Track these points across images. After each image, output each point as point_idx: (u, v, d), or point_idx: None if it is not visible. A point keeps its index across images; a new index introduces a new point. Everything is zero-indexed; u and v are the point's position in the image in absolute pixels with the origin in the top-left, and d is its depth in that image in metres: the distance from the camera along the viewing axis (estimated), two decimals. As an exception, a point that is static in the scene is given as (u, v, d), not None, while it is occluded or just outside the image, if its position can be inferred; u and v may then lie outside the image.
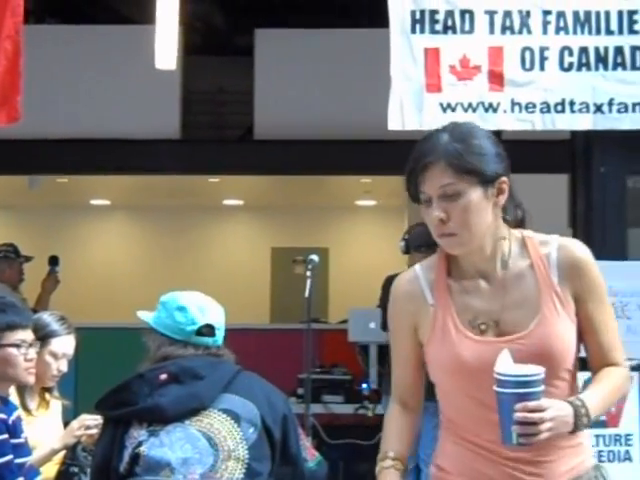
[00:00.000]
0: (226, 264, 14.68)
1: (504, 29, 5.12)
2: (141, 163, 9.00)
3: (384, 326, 6.73)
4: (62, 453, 4.07)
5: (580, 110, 5.12)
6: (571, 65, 5.13)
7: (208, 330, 3.45)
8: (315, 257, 5.63)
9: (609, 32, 5.12)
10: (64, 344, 4.21)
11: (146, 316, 3.54)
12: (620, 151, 5.96)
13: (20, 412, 3.75)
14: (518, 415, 2.35)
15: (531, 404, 2.36)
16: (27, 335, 3.68)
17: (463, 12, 5.13)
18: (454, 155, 2.54)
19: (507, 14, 5.12)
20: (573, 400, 2.47)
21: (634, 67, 5.12)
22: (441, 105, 5.09)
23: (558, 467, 2.58)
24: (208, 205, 14.27)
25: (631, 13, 5.12)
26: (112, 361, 8.95)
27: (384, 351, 7.06)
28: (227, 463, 3.23)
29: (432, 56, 5.11)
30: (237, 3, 10.77)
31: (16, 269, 7.44)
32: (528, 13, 5.12)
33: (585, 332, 2.63)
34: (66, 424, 4.17)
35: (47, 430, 4.16)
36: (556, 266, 2.60)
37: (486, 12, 5.13)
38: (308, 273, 5.56)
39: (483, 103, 5.08)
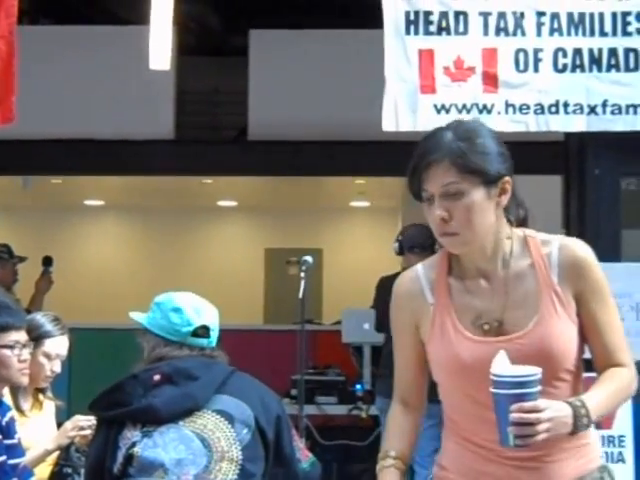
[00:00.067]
0: (220, 265, 14.67)
1: (498, 30, 5.13)
2: (135, 164, 9.00)
3: (378, 327, 6.74)
4: (56, 454, 4.07)
5: (574, 111, 5.13)
6: (565, 66, 5.13)
7: (203, 331, 3.45)
8: (309, 258, 5.64)
9: (603, 34, 5.12)
10: (58, 345, 4.21)
11: (139, 317, 3.53)
12: (614, 153, 5.97)
13: (14, 413, 3.74)
14: (514, 416, 2.34)
15: (527, 405, 2.34)
16: (21, 336, 3.68)
17: (457, 13, 5.13)
18: (458, 154, 2.52)
19: (501, 15, 5.13)
20: (573, 401, 2.45)
21: (628, 69, 5.12)
22: (435, 106, 5.10)
23: (560, 468, 2.56)
24: (202, 206, 14.26)
25: (625, 15, 5.12)
26: (105, 362, 8.95)
27: (378, 352, 7.07)
28: (221, 464, 3.23)
29: (426, 57, 5.12)
30: (231, 4, 10.77)
31: (10, 270, 7.43)
32: (522, 14, 5.13)
33: (589, 333, 2.61)
34: (59, 425, 4.16)
35: (41, 431, 4.15)
36: (557, 266, 2.59)
37: (480, 13, 5.14)
38: (302, 274, 5.56)
39: (477, 104, 5.08)
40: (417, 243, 6.50)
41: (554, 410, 2.38)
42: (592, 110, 5.12)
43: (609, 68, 5.12)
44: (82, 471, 3.98)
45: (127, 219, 15.01)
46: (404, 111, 5.11)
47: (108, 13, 10.53)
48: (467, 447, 2.64)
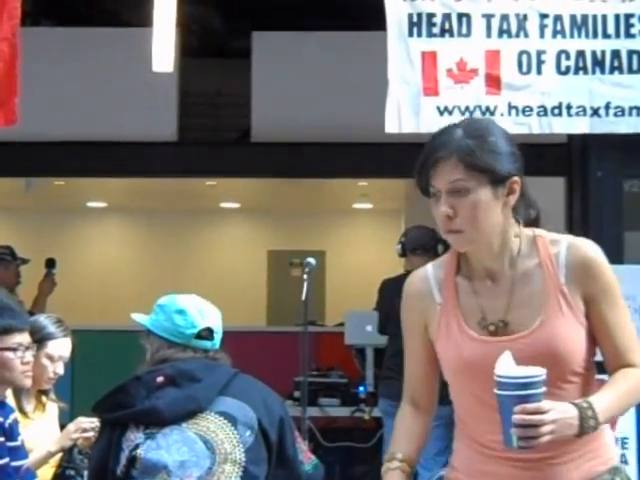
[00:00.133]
0: (223, 267, 14.68)
1: (501, 32, 5.13)
2: (138, 165, 8.99)
3: (381, 329, 6.74)
4: (58, 456, 4.07)
5: (577, 114, 5.13)
6: (568, 69, 5.14)
7: (207, 333, 3.44)
8: (312, 260, 5.63)
9: (606, 36, 5.13)
10: (60, 347, 4.21)
11: (141, 319, 3.52)
12: (617, 154, 5.97)
13: (17, 415, 3.74)
14: (516, 417, 2.32)
15: (530, 406, 2.32)
16: (24, 338, 3.67)
17: (460, 15, 5.14)
18: (466, 152, 2.51)
19: (504, 18, 5.13)
20: (579, 402, 2.42)
21: (631, 71, 5.12)
22: (438, 108, 5.10)
23: (568, 470, 2.54)
24: (205, 208, 14.27)
25: (628, 17, 5.13)
26: (108, 363, 8.95)
27: (381, 354, 7.06)
28: (224, 466, 3.22)
29: (429, 59, 5.12)
30: (234, 6, 10.77)
31: (13, 271, 7.43)
32: (525, 17, 5.13)
33: (599, 334, 2.58)
34: (62, 427, 4.16)
35: (43, 433, 4.15)
36: (564, 266, 2.56)
37: (483, 16, 5.14)
38: (305, 276, 5.55)
39: (480, 106, 5.09)
40: (420, 245, 6.50)
41: (559, 412, 2.36)
42: (595, 112, 5.12)
43: (612, 70, 5.13)
44: (85, 473, 3.98)
45: (130, 221, 15.01)
46: (407, 113, 5.11)
47: (111, 15, 10.54)
48: (474, 447, 2.64)
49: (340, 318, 8.71)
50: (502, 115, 5.07)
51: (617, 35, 5.13)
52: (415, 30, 5.14)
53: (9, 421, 3.57)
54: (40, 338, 4.07)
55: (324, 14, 9.61)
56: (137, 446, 3.23)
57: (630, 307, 5.06)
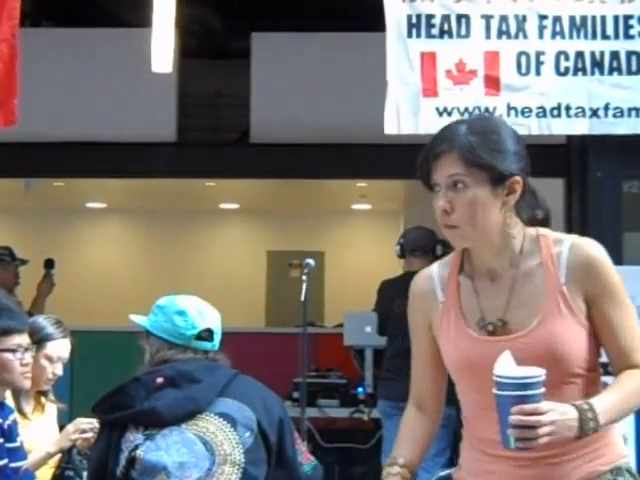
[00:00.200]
0: (222, 267, 14.67)
1: (500, 34, 5.14)
2: (137, 166, 8.99)
3: (380, 331, 6.74)
4: (57, 457, 4.07)
5: (576, 115, 5.13)
6: (567, 70, 5.14)
7: (207, 334, 3.44)
8: (311, 261, 5.63)
9: (605, 37, 5.13)
10: (59, 348, 4.21)
11: (140, 320, 3.52)
12: (616, 156, 5.98)
13: (16, 416, 3.74)
14: (513, 418, 2.30)
15: (528, 407, 2.30)
16: (23, 339, 3.67)
17: (459, 17, 5.14)
18: (467, 148, 2.51)
19: (503, 19, 5.14)
20: (580, 404, 2.39)
21: (630, 72, 5.13)
22: (437, 109, 5.10)
23: (570, 469, 2.52)
24: (204, 208, 14.26)
25: (627, 18, 5.13)
26: (107, 364, 8.93)
27: (380, 355, 7.06)
28: (223, 467, 3.22)
29: (428, 60, 5.12)
30: (234, 6, 10.76)
31: (11, 272, 7.43)
32: (524, 18, 5.14)
33: (603, 335, 2.56)
34: (61, 427, 4.16)
35: (42, 434, 4.15)
36: (565, 266, 2.54)
37: (482, 17, 5.14)
38: (304, 277, 5.55)
39: (479, 107, 5.09)
40: (419, 246, 6.50)
41: (558, 413, 2.34)
42: (594, 113, 5.12)
43: (611, 71, 5.13)
44: (84, 474, 3.98)
45: (129, 222, 15.01)
46: (406, 114, 5.12)
47: (110, 16, 10.53)
48: (478, 447, 2.63)
49: (339, 319, 8.71)
50: (501, 116, 5.07)
51: (616, 36, 5.13)
52: (414, 31, 5.14)
53: (8, 422, 3.56)
54: (39, 339, 4.07)
55: (323, 15, 9.60)
56: (136, 447, 3.23)
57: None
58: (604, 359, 2.63)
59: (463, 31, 5.13)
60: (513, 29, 5.13)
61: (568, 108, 5.13)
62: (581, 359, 2.53)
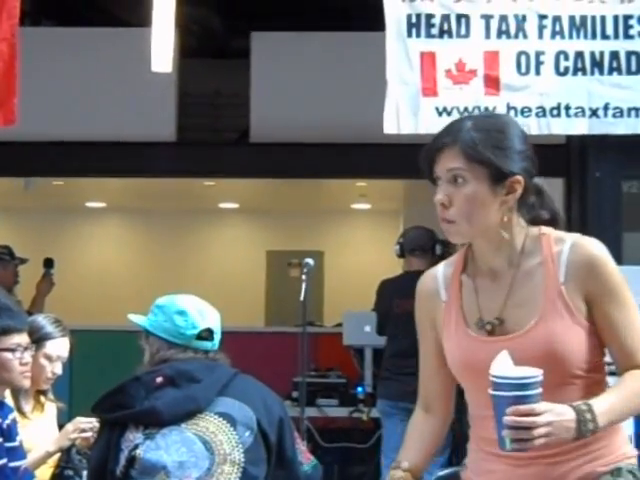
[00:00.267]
0: (221, 267, 14.67)
1: (500, 33, 5.14)
2: (137, 166, 8.98)
3: (379, 330, 6.74)
4: (57, 456, 4.07)
5: (576, 114, 5.13)
6: (567, 69, 5.14)
7: (207, 334, 3.45)
8: (311, 260, 5.63)
9: (605, 37, 5.13)
10: (59, 347, 4.21)
11: (139, 319, 3.53)
12: (615, 155, 5.99)
13: (15, 415, 3.74)
14: (507, 419, 2.28)
15: (523, 408, 2.27)
16: (22, 339, 3.67)
17: (459, 16, 5.14)
18: (469, 143, 2.50)
19: (503, 18, 5.14)
20: (578, 405, 2.36)
21: (629, 72, 5.13)
22: (437, 109, 5.10)
23: (569, 469, 2.50)
24: (203, 208, 14.25)
25: (627, 18, 5.13)
26: (106, 363, 8.95)
27: (379, 354, 7.07)
28: (223, 467, 3.23)
29: (428, 60, 5.12)
30: (233, 6, 10.76)
31: (11, 271, 7.43)
32: (524, 17, 5.14)
33: (605, 335, 2.52)
34: (61, 427, 4.16)
35: (42, 433, 4.15)
36: (565, 265, 2.51)
37: (482, 16, 5.14)
38: (303, 276, 5.55)
39: (479, 107, 5.09)
40: (418, 246, 6.51)
41: (554, 414, 2.30)
42: (594, 113, 5.12)
43: (611, 71, 5.13)
44: (83, 473, 3.98)
45: (128, 221, 15.00)
46: (406, 114, 5.11)
47: (110, 15, 10.52)
48: (480, 446, 2.62)
49: (339, 318, 8.71)
50: (501, 116, 5.07)
51: (616, 36, 5.13)
52: (414, 31, 5.14)
53: (7, 421, 3.56)
54: (38, 338, 4.07)
55: (323, 15, 9.60)
56: (136, 446, 3.24)
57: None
58: (607, 359, 2.60)
59: (463, 31, 5.13)
60: (513, 29, 5.13)
61: (568, 108, 5.13)
62: (580, 360, 2.50)
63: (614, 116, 5.11)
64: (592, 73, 5.13)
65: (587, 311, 2.52)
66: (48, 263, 7.96)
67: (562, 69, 5.13)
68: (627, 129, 5.13)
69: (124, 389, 3.34)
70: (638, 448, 2.68)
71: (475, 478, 2.67)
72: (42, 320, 4.22)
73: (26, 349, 3.69)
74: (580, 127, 5.17)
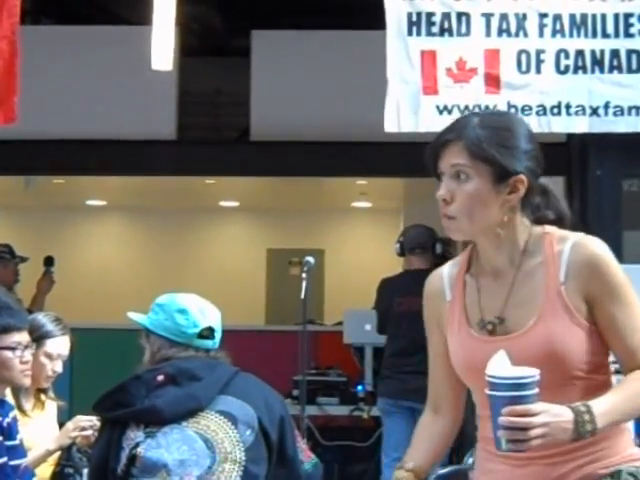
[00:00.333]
0: (222, 265, 14.67)
1: (500, 32, 5.13)
2: (137, 164, 8.98)
3: (380, 329, 6.74)
4: (57, 454, 4.07)
5: (576, 113, 5.13)
6: (567, 68, 5.14)
7: (208, 333, 3.45)
8: (311, 259, 5.63)
9: (605, 35, 5.13)
10: (59, 345, 4.21)
11: (139, 318, 3.52)
12: (616, 154, 5.98)
13: (16, 413, 3.74)
14: (502, 419, 2.26)
15: (519, 408, 2.24)
16: (23, 337, 3.67)
17: (459, 15, 5.14)
18: (473, 140, 2.48)
19: (503, 17, 5.13)
20: (577, 405, 2.32)
21: (630, 70, 5.12)
22: (437, 107, 5.10)
23: (569, 470, 2.47)
24: (204, 206, 14.25)
25: (627, 16, 5.13)
26: (107, 362, 8.95)
27: (380, 353, 7.07)
28: (224, 465, 3.23)
29: (428, 58, 5.12)
30: (234, 4, 10.75)
31: (11, 270, 7.43)
32: (524, 16, 5.13)
33: (608, 335, 2.49)
34: (61, 425, 4.16)
35: (42, 431, 4.15)
36: (565, 264, 2.48)
37: (482, 15, 5.14)
38: (304, 275, 5.55)
39: (480, 106, 5.09)
40: (418, 244, 6.51)
41: (551, 415, 2.27)
42: (594, 111, 5.12)
43: (611, 69, 5.13)
44: (83, 471, 3.98)
45: (129, 219, 15.00)
46: (406, 112, 5.11)
47: (110, 14, 10.52)
48: (483, 445, 2.61)
49: (339, 317, 8.71)
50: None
51: (616, 34, 5.13)
52: (414, 29, 5.14)
53: (8, 419, 3.56)
54: (38, 336, 4.07)
55: (324, 13, 9.60)
56: (137, 445, 3.24)
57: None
58: (612, 357, 2.57)
59: (463, 29, 5.13)
60: (513, 27, 5.13)
61: (568, 106, 5.13)
62: (580, 360, 2.47)
63: (615, 114, 5.11)
64: (593, 71, 5.13)
65: (588, 311, 2.49)
66: (48, 261, 7.96)
67: (563, 67, 5.13)
68: (628, 127, 5.13)
69: (125, 387, 3.34)
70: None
71: (480, 477, 2.66)
72: (42, 318, 4.22)
73: (26, 347, 3.69)
74: (581, 125, 5.17)
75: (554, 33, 5.13)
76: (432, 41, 5.13)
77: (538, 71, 5.13)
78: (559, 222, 2.61)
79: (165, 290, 3.64)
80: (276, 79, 8.92)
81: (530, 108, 5.12)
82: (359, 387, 7.72)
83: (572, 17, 5.12)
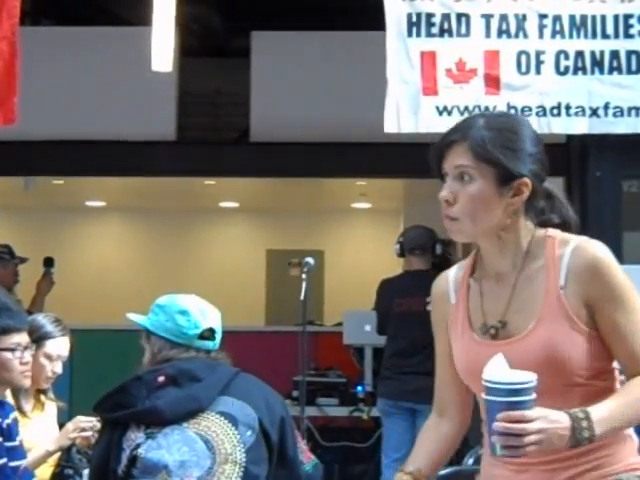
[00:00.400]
0: (221, 266, 14.67)
1: (500, 33, 5.13)
2: (137, 165, 8.98)
3: (380, 330, 6.74)
4: (57, 455, 4.07)
5: (576, 114, 5.13)
6: (567, 69, 5.14)
7: (209, 334, 3.44)
8: (311, 260, 5.63)
9: (605, 36, 5.13)
10: (59, 346, 4.21)
11: (139, 319, 3.52)
12: (616, 155, 5.98)
13: (16, 414, 3.74)
14: (497, 425, 2.22)
15: (514, 414, 2.21)
16: (22, 338, 3.67)
17: (459, 15, 5.14)
18: (478, 142, 2.46)
19: (503, 18, 5.14)
20: (575, 411, 2.28)
21: (630, 71, 5.13)
22: (437, 108, 5.10)
23: (566, 478, 2.44)
24: (204, 207, 14.26)
25: (627, 17, 5.13)
26: (106, 363, 8.95)
27: (379, 354, 7.07)
28: (224, 466, 3.22)
29: (428, 59, 5.12)
30: (234, 5, 10.76)
31: (11, 270, 7.43)
32: (524, 17, 5.14)
33: (610, 340, 2.44)
34: (61, 426, 4.16)
35: (42, 432, 4.15)
36: (566, 268, 2.45)
37: (482, 16, 5.14)
38: (303, 275, 5.55)
39: (479, 106, 5.09)
40: (418, 245, 6.50)
41: (547, 421, 2.23)
42: (594, 112, 5.12)
43: (611, 70, 5.13)
44: (83, 472, 3.98)
45: (128, 220, 15.00)
46: (406, 113, 5.11)
47: (110, 14, 10.53)
48: (486, 450, 2.56)
49: (339, 318, 8.71)
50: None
51: (616, 35, 5.13)
52: (414, 30, 5.14)
53: (8, 421, 3.56)
54: (38, 337, 4.07)
55: (324, 14, 9.60)
56: (138, 446, 3.24)
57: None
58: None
59: (463, 30, 5.13)
60: (513, 28, 5.13)
61: (568, 107, 5.13)
62: (580, 366, 2.43)
63: (614, 115, 5.11)
64: (592, 72, 5.13)
65: (589, 316, 2.45)
66: (48, 262, 7.96)
67: (562, 68, 5.13)
68: (627, 128, 5.13)
69: (125, 388, 3.34)
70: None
71: None
72: (42, 319, 4.22)
73: (26, 348, 3.68)
74: (580, 126, 5.17)
75: (554, 34, 5.13)
76: (432, 42, 5.13)
77: (538, 72, 5.13)
78: (564, 226, 2.58)
79: (165, 291, 3.63)
80: (276, 79, 8.92)
81: (530, 109, 5.12)
82: (359, 388, 7.73)
83: (572, 18, 5.12)
